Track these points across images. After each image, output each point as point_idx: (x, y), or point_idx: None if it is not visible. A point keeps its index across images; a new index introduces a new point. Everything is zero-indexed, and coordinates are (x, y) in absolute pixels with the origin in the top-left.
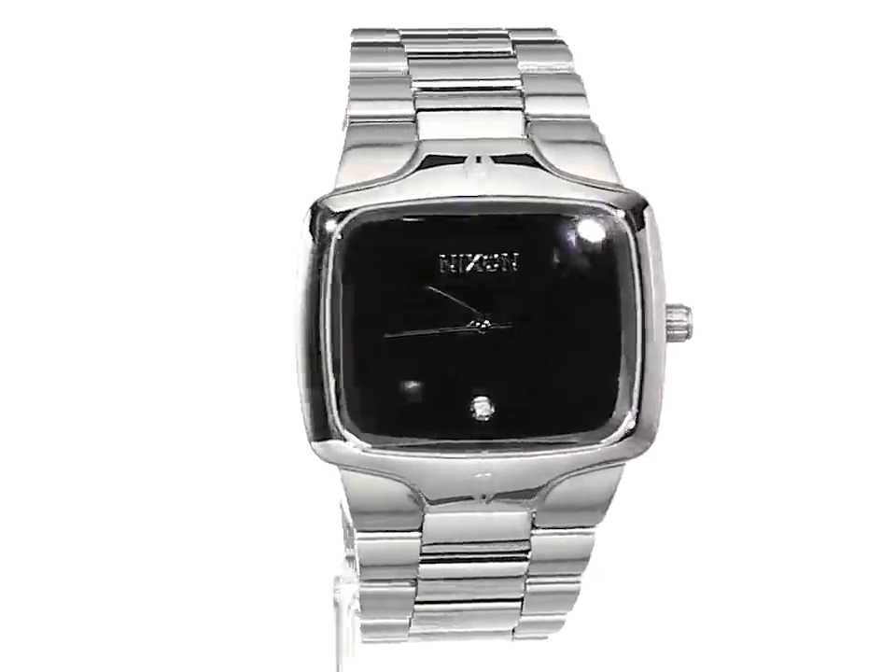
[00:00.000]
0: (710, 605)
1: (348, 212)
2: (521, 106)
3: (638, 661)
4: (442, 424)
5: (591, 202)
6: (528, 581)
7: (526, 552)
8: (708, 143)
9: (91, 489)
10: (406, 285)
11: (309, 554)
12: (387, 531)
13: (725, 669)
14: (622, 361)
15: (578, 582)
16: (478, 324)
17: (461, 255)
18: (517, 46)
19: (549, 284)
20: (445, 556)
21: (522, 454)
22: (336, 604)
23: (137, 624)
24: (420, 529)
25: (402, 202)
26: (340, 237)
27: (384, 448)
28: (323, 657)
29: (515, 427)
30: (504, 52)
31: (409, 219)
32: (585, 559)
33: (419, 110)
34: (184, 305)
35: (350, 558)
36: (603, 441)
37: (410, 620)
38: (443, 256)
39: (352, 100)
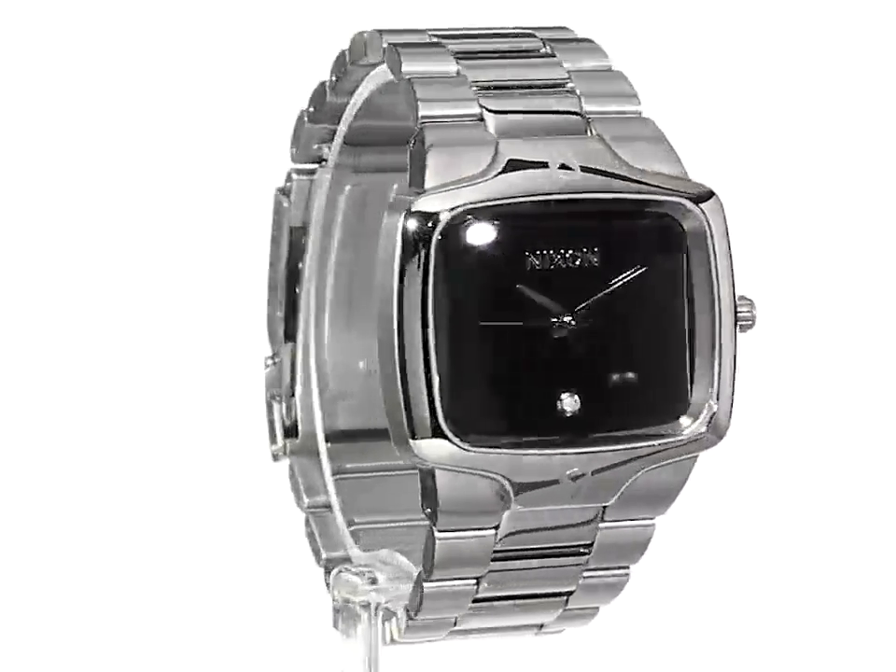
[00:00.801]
0: (747, 611)
1: (441, 213)
2: (579, 105)
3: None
4: (533, 421)
5: (667, 196)
6: (584, 573)
7: (590, 544)
8: (713, 140)
9: (76, 487)
10: (497, 283)
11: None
12: (467, 529)
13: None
14: (700, 353)
15: (628, 574)
16: (564, 319)
17: (546, 252)
18: (549, 44)
19: (630, 277)
20: (514, 552)
21: (611, 447)
22: (366, 605)
23: (118, 628)
24: (496, 526)
25: (491, 201)
26: (440, 237)
27: (480, 447)
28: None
29: (603, 420)
30: (542, 51)
31: (497, 218)
32: (642, 550)
33: (483, 108)
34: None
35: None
36: (686, 430)
37: (457, 618)
38: (528, 253)
39: (420, 100)
